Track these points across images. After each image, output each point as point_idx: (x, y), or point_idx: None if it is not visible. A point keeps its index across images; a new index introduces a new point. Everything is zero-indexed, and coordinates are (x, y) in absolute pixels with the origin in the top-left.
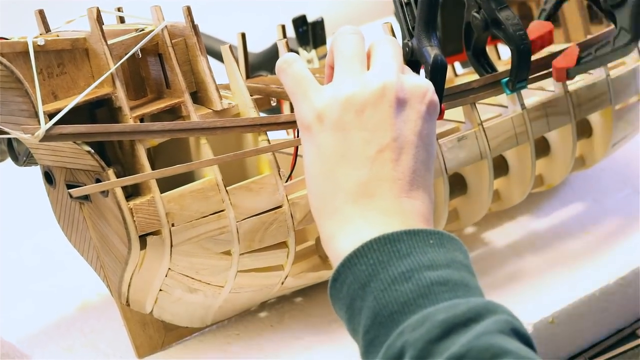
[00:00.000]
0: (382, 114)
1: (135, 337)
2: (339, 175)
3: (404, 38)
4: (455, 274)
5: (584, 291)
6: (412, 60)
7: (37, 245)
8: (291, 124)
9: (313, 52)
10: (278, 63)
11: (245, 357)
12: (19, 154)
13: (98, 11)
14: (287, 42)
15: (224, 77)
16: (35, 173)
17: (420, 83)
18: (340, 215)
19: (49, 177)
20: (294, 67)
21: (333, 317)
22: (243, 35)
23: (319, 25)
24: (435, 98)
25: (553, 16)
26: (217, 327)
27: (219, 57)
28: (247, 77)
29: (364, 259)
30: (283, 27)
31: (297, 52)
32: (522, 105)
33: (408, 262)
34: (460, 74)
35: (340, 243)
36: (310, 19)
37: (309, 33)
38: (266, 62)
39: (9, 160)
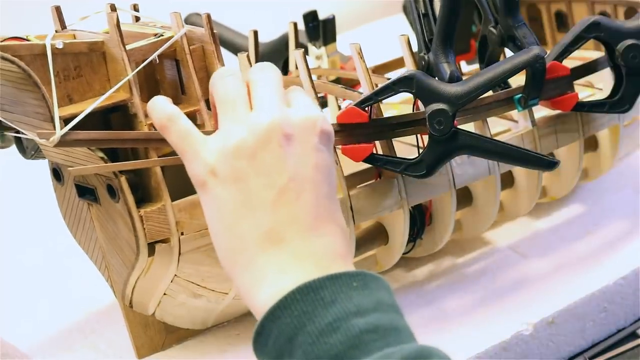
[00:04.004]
0: (274, 154)
1: (136, 338)
2: (243, 226)
3: (419, 51)
4: (384, 317)
5: (584, 291)
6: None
7: (38, 246)
8: None
9: (322, 49)
10: (159, 119)
11: (245, 357)
12: (26, 148)
13: (118, 17)
14: (303, 52)
15: None
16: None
17: (307, 114)
18: (253, 268)
19: (57, 174)
20: (179, 124)
21: None
22: (255, 33)
23: (330, 22)
24: (327, 126)
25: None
26: (218, 327)
27: (234, 49)
28: None
29: (288, 311)
30: (295, 24)
31: (306, 48)
32: (533, 122)
33: (334, 311)
34: (466, 72)
35: (259, 297)
36: (320, 15)
37: (320, 29)
38: (273, 53)
39: (16, 157)
